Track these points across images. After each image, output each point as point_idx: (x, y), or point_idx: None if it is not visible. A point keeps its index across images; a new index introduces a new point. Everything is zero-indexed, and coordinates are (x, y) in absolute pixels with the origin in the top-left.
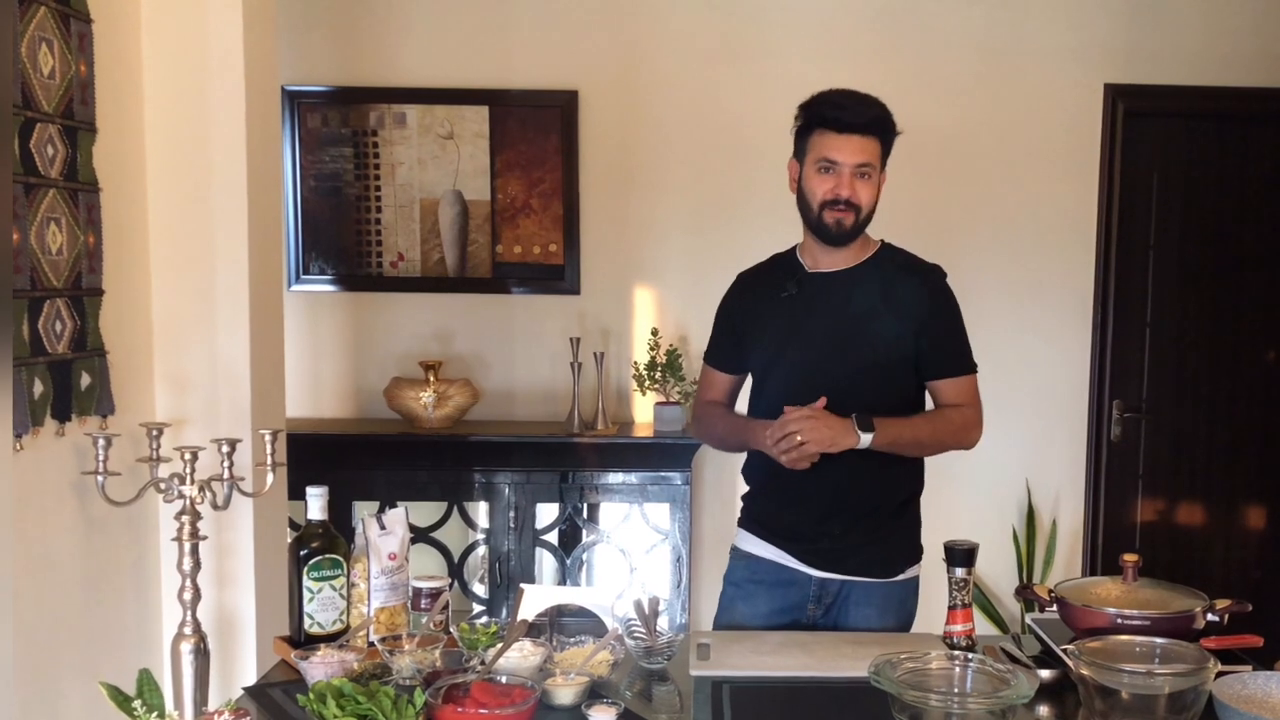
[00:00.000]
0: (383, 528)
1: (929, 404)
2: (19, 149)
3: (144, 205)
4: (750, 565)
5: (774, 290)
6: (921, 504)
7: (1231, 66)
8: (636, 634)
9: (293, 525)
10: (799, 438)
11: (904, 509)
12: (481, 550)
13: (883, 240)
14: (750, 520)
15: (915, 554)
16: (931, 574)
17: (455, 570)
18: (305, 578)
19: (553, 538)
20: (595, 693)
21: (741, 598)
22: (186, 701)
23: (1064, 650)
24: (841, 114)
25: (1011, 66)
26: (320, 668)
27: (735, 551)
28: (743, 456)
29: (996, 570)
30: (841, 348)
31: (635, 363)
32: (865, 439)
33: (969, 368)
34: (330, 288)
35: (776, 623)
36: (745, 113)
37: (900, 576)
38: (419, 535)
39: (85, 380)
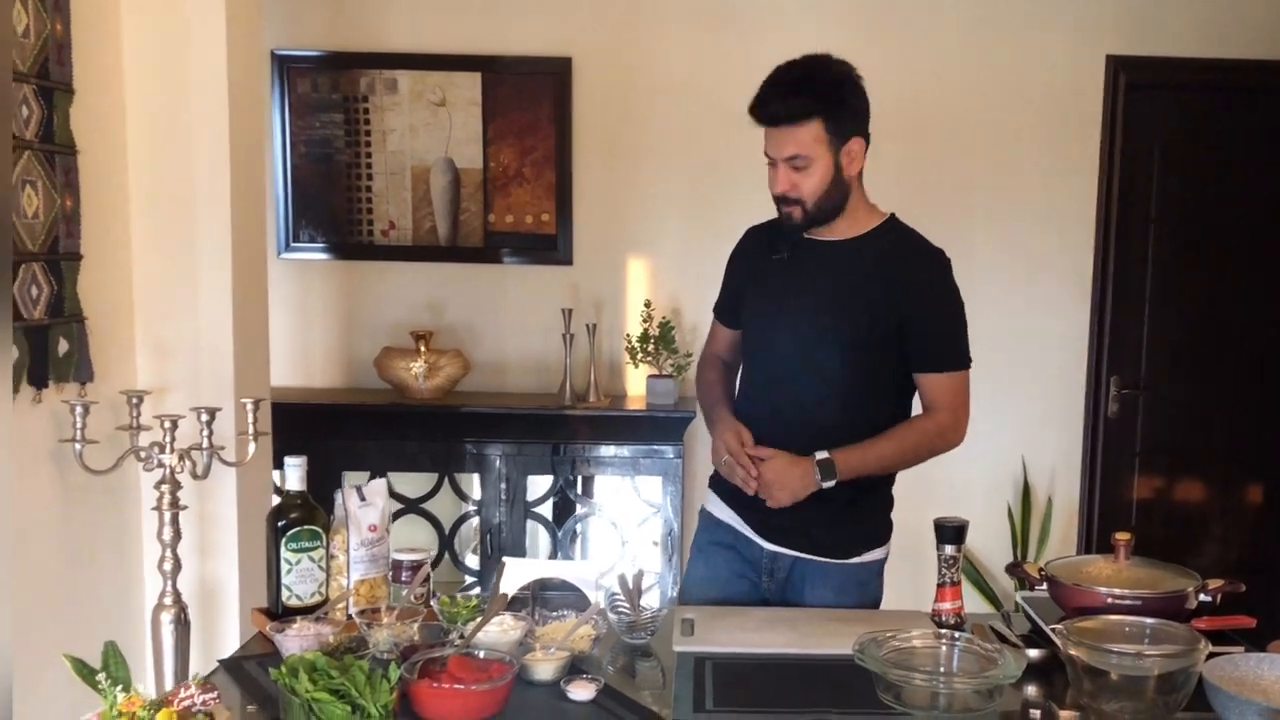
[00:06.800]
0: (363, 499)
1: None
2: None
3: (124, 169)
4: (711, 528)
5: (770, 251)
6: (913, 481)
7: (1234, 38)
8: (620, 609)
9: (280, 495)
10: (761, 494)
11: (868, 494)
12: (473, 522)
13: (891, 214)
14: (717, 482)
15: (878, 537)
16: (922, 552)
17: (446, 542)
18: (283, 549)
19: (545, 510)
20: (576, 668)
21: (703, 560)
22: (167, 672)
23: (1053, 630)
24: (762, 109)
25: (1013, 37)
26: (296, 640)
27: (702, 513)
28: None
29: (991, 547)
30: (818, 318)
31: (628, 335)
32: (828, 485)
33: (958, 364)
34: (320, 256)
35: (734, 588)
36: (741, 81)
37: (857, 559)
38: (410, 506)
39: (63, 346)
